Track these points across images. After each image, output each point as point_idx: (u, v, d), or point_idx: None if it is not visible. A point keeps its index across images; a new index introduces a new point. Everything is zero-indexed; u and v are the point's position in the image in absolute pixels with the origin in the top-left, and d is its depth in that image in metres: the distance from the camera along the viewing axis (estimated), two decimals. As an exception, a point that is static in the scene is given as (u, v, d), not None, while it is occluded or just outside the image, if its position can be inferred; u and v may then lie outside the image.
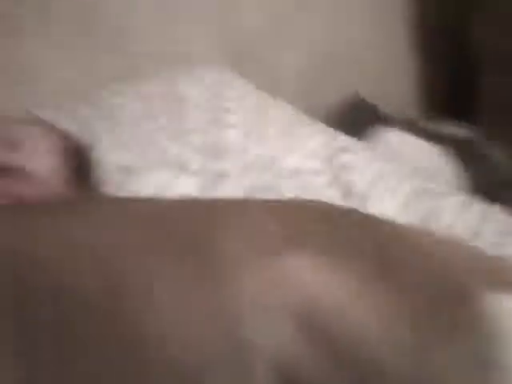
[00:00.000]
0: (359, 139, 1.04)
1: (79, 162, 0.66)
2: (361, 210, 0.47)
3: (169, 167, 0.84)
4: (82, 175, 0.66)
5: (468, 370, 0.30)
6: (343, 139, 0.93)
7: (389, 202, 0.75)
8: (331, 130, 0.97)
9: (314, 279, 0.36)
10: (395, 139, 1.25)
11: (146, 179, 0.80)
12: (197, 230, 0.42)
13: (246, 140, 0.89)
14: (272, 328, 0.35)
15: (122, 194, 0.71)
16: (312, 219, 0.42)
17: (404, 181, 0.81)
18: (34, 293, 0.37)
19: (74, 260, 0.40)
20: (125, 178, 0.78)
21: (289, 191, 0.75)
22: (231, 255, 0.39)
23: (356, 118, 1.36)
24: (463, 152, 1.33)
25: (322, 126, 0.98)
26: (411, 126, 1.39)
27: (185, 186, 0.78)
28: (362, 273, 0.35)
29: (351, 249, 0.38)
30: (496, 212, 0.72)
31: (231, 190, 0.77)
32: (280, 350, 0.34)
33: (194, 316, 0.37)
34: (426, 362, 0.31)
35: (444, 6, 1.68)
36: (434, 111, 1.70)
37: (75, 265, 0.40)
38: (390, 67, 1.67)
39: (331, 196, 0.75)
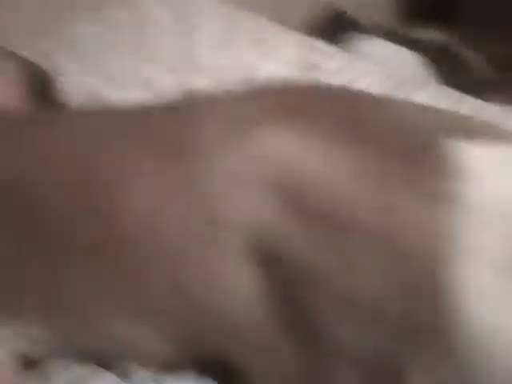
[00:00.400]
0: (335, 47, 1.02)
1: (40, 85, 0.65)
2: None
3: (140, 88, 0.83)
4: (42, 98, 0.65)
5: (431, 206, 0.32)
6: (319, 45, 0.92)
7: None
8: (306, 37, 0.95)
9: (291, 148, 0.36)
10: (370, 45, 1.23)
11: (116, 102, 0.80)
12: (173, 125, 0.43)
13: (219, 53, 0.88)
14: (249, 201, 0.36)
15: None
16: (287, 96, 0.43)
17: (379, 81, 0.81)
18: None
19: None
20: (95, 103, 0.77)
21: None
22: (206, 139, 0.39)
23: (332, 28, 1.33)
24: (439, 56, 1.32)
25: (297, 34, 0.97)
26: (387, 33, 1.37)
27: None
28: (338, 140, 0.36)
29: (327, 117, 0.38)
30: (468, 100, 0.74)
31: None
32: (258, 223, 0.35)
33: (168, 196, 0.38)
34: (394, 210, 0.32)
35: None
36: (411, 18, 1.66)
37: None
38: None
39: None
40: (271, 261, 0.35)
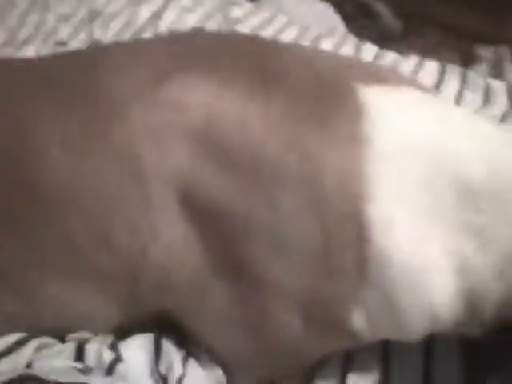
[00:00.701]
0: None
1: None
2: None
3: (45, 41, 0.79)
4: None
5: (347, 148, 0.34)
6: (242, 1, 0.90)
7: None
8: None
9: (205, 96, 0.36)
10: (290, 2, 1.23)
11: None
12: (83, 76, 0.41)
13: (130, 3, 0.83)
14: (171, 152, 0.36)
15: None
16: (198, 45, 0.42)
17: (299, 35, 0.82)
18: None
19: None
20: None
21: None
22: (117, 85, 0.38)
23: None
24: (351, 9, 1.36)
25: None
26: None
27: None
28: (253, 88, 0.36)
29: (242, 68, 0.38)
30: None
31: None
32: (177, 169, 0.35)
33: (87, 157, 0.37)
34: (313, 154, 0.34)
35: None
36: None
37: None
38: None
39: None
40: (200, 209, 0.36)
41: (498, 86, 0.69)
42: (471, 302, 0.35)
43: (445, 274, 0.33)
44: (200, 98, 0.36)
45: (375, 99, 0.35)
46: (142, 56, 0.42)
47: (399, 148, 0.34)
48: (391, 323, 0.36)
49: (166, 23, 0.78)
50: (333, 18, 1.23)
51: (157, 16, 0.80)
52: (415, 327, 0.36)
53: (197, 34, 0.45)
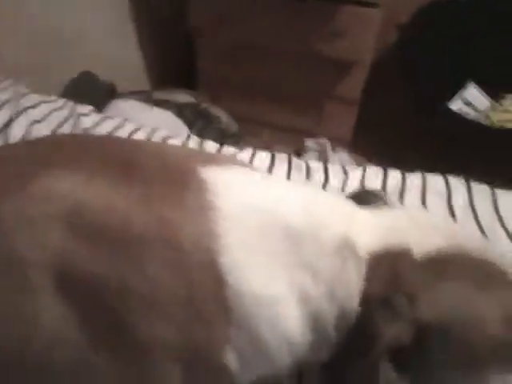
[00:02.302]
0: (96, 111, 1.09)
1: None
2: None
3: None
4: None
5: (197, 213, 0.41)
6: (81, 107, 0.97)
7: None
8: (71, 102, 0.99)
9: (73, 187, 0.41)
10: (127, 106, 1.34)
11: None
12: None
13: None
14: (40, 236, 0.38)
15: None
16: (62, 145, 0.48)
17: (143, 133, 0.91)
18: None
19: None
20: None
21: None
22: None
23: (91, 94, 1.40)
24: (191, 114, 1.54)
25: (56, 97, 1.00)
26: (143, 97, 1.52)
27: None
28: (114, 178, 0.42)
29: (102, 161, 0.44)
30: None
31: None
32: (52, 253, 0.38)
33: None
34: (168, 221, 0.40)
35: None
36: (165, 83, 1.87)
37: None
38: (125, 50, 1.75)
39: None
40: (77, 287, 0.38)
41: (316, 165, 0.87)
42: (316, 326, 0.43)
43: (291, 305, 0.42)
44: (68, 187, 0.41)
45: (213, 175, 0.45)
46: (7, 159, 0.45)
47: (239, 208, 0.43)
48: (261, 358, 0.42)
49: (16, 133, 0.80)
50: (175, 123, 1.38)
51: (6, 126, 0.82)
52: (280, 358, 0.43)
53: (54, 136, 0.50)
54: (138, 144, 0.50)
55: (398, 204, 0.62)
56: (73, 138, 0.50)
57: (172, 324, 0.39)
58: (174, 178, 0.44)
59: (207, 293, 0.39)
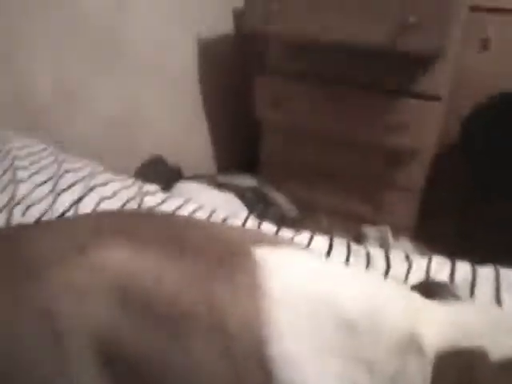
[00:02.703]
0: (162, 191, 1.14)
1: None
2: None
3: None
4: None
5: (247, 295, 0.40)
6: (148, 186, 1.02)
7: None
8: (139, 182, 1.06)
9: (125, 261, 0.41)
10: (191, 188, 1.40)
11: None
12: (7, 251, 0.44)
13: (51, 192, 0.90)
14: (88, 310, 0.38)
15: None
16: (118, 219, 0.49)
17: (203, 214, 0.93)
18: None
19: None
20: None
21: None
22: (42, 254, 0.42)
23: (159, 177, 1.48)
24: (252, 198, 1.57)
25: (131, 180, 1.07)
26: (207, 180, 1.59)
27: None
28: (167, 252, 0.43)
29: (154, 236, 0.45)
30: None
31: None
32: (98, 329, 0.38)
33: (13, 312, 0.39)
34: (219, 301, 0.39)
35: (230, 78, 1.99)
36: (229, 168, 1.96)
37: None
38: (190, 134, 1.88)
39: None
40: (115, 360, 0.37)
41: (376, 252, 0.83)
42: None
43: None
44: (118, 259, 0.41)
45: (267, 256, 0.44)
46: (66, 226, 0.47)
47: (291, 294, 0.40)
48: None
49: (86, 209, 0.85)
50: (236, 205, 1.41)
51: (77, 202, 0.87)
52: None
53: (117, 210, 0.52)
54: (191, 221, 0.51)
55: (469, 298, 0.57)
56: (133, 213, 0.52)
57: None
58: (226, 257, 0.44)
59: (253, 381, 0.36)
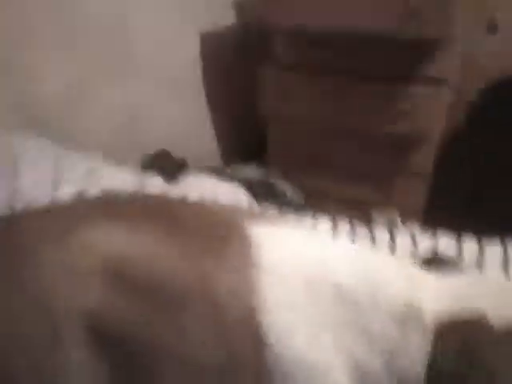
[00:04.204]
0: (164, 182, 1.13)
1: None
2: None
3: None
4: None
5: (236, 270, 0.39)
6: (152, 179, 1.02)
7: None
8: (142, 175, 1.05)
9: (116, 240, 0.40)
10: (198, 181, 1.39)
11: None
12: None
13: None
14: (80, 290, 0.38)
15: None
16: (108, 201, 0.48)
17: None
18: None
19: None
20: None
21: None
22: (33, 237, 0.41)
23: (164, 170, 1.48)
24: (259, 188, 1.56)
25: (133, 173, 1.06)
26: (214, 172, 1.58)
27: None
28: (158, 230, 0.42)
29: (146, 216, 0.44)
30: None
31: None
32: (90, 308, 0.37)
33: (6, 300, 0.38)
34: (210, 278, 0.38)
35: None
36: (236, 159, 1.95)
37: None
38: (195, 127, 1.88)
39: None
40: (108, 339, 0.37)
41: (381, 234, 0.82)
42: None
43: (340, 373, 0.36)
44: (109, 240, 0.40)
45: (259, 230, 0.43)
46: (56, 212, 0.47)
47: (284, 264, 0.40)
48: None
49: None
50: (243, 196, 1.40)
51: (78, 195, 0.87)
52: None
53: (102, 194, 0.52)
54: (185, 201, 0.51)
55: (475, 271, 0.55)
56: (124, 195, 0.52)
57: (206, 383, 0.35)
58: (217, 233, 0.43)
59: (246, 353, 0.36)
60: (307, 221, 0.84)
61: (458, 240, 0.75)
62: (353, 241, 0.78)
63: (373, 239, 0.78)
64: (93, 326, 0.37)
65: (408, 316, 0.39)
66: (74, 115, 1.36)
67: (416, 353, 0.37)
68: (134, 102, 1.54)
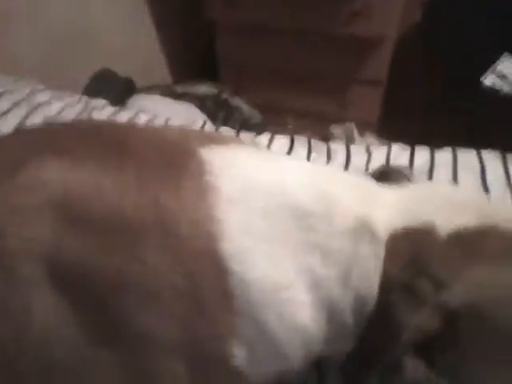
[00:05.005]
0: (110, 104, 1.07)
1: None
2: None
3: None
4: None
5: (191, 196, 0.38)
6: (96, 101, 0.96)
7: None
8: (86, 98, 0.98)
9: (62, 176, 0.38)
10: (146, 101, 1.33)
11: None
12: None
13: None
14: (32, 231, 0.36)
15: None
16: (49, 133, 0.45)
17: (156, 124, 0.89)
18: None
19: None
20: None
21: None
22: None
23: (110, 91, 1.39)
24: (213, 106, 1.52)
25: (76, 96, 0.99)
26: (164, 90, 1.50)
27: None
28: (107, 162, 0.39)
29: (93, 147, 0.41)
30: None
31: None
32: (45, 249, 0.36)
33: None
34: (163, 206, 0.37)
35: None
36: (186, 76, 1.85)
37: None
38: (143, 45, 1.74)
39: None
40: (69, 278, 0.36)
41: (337, 147, 0.82)
42: (331, 314, 0.39)
43: (301, 290, 0.38)
44: (55, 175, 0.38)
45: (213, 155, 0.41)
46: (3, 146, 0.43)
47: (241, 189, 0.39)
48: (271, 351, 0.38)
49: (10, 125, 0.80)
50: (196, 114, 1.36)
51: (21, 122, 0.81)
52: (292, 351, 0.39)
53: (48, 124, 0.48)
54: (134, 127, 0.48)
55: (425, 180, 0.57)
56: (68, 124, 0.48)
57: (171, 316, 0.36)
58: (171, 160, 0.41)
59: (208, 281, 0.36)
60: (264, 139, 0.83)
61: (411, 150, 0.76)
62: (309, 158, 0.78)
63: (329, 155, 0.78)
64: (49, 263, 0.35)
65: (361, 229, 0.40)
66: (6, 37, 1.22)
67: (370, 265, 0.39)
68: (72, 18, 1.40)
